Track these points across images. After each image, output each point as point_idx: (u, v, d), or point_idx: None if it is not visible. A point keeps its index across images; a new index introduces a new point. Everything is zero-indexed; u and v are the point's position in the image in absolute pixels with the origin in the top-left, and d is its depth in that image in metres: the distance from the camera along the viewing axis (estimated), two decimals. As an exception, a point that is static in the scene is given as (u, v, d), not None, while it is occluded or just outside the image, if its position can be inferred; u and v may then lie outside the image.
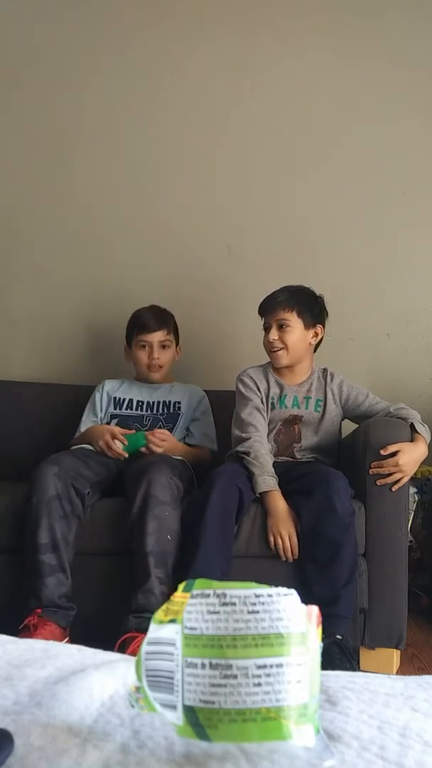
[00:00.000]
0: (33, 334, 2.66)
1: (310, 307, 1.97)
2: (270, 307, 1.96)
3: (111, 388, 2.24)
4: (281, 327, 1.94)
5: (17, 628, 1.59)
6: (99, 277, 2.64)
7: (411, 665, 1.80)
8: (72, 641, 1.65)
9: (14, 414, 2.36)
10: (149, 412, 2.16)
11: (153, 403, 2.18)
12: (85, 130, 2.68)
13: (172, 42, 2.65)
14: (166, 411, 2.16)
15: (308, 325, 1.96)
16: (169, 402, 2.18)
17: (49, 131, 2.69)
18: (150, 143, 2.65)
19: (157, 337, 2.16)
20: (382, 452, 1.72)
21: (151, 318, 2.18)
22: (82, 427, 2.15)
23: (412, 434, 1.79)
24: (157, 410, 2.16)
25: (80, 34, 2.68)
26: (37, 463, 1.77)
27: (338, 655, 1.51)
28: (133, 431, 1.99)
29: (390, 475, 1.73)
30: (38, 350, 2.64)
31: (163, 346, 2.18)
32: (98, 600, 1.74)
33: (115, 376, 2.30)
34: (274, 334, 1.94)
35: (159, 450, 1.91)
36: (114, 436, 1.93)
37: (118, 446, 1.91)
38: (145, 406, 2.18)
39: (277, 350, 1.95)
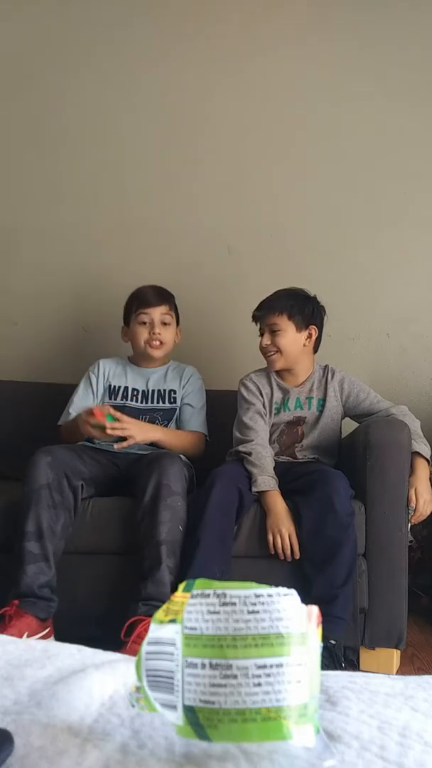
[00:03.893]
0: (33, 334, 2.66)
1: (301, 309, 1.97)
2: (260, 313, 1.98)
3: (106, 369, 2.16)
4: (273, 332, 1.95)
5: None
6: (99, 278, 2.64)
7: (411, 665, 1.80)
8: (70, 641, 1.63)
9: (14, 414, 2.36)
10: (145, 403, 2.10)
11: (148, 392, 2.12)
12: (84, 129, 2.68)
13: (173, 40, 2.65)
14: (161, 401, 2.11)
15: (300, 328, 1.96)
16: (165, 391, 2.12)
17: (48, 132, 2.69)
18: (149, 143, 2.65)
19: (159, 311, 2.08)
20: (412, 504, 1.75)
21: (152, 293, 2.12)
22: (72, 410, 2.08)
23: (414, 458, 1.80)
24: (153, 400, 2.11)
25: (77, 31, 2.68)
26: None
27: (327, 660, 1.51)
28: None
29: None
30: (38, 350, 2.64)
31: (164, 323, 2.09)
32: (98, 599, 1.74)
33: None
34: (266, 339, 1.96)
35: (121, 434, 1.85)
36: (89, 415, 1.85)
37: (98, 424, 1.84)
38: (140, 396, 2.12)
39: (271, 354, 1.97)
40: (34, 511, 1.68)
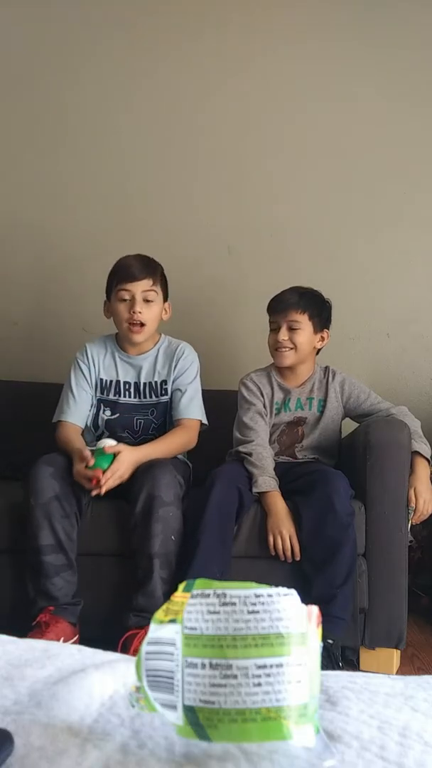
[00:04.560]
0: (33, 334, 2.66)
1: (320, 311, 1.98)
2: (281, 308, 1.94)
3: (95, 357, 1.99)
4: (291, 328, 1.94)
5: (20, 628, 1.58)
6: (98, 277, 2.64)
7: (411, 665, 1.80)
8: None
9: (14, 414, 2.36)
10: (138, 398, 1.97)
11: (141, 385, 1.98)
12: (84, 130, 2.68)
13: (173, 40, 2.64)
14: (153, 395, 1.97)
15: (317, 329, 1.97)
16: (156, 384, 1.97)
17: (48, 132, 2.69)
18: (149, 143, 2.65)
19: (141, 287, 1.88)
20: (412, 504, 1.75)
21: (135, 265, 1.90)
22: (73, 408, 1.93)
23: (414, 458, 1.80)
24: (145, 394, 1.97)
25: (78, 31, 2.68)
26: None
27: (324, 659, 1.51)
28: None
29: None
30: (38, 350, 2.64)
31: (147, 300, 1.89)
32: (99, 600, 1.74)
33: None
34: (284, 334, 1.93)
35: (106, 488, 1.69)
36: (82, 461, 1.69)
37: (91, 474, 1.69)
38: (132, 391, 1.97)
39: (286, 350, 1.94)
40: (49, 524, 1.65)
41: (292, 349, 1.94)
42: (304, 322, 1.94)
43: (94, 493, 1.68)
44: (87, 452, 1.71)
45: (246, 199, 2.62)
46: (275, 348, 1.96)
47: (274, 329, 1.97)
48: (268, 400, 2.00)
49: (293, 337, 1.93)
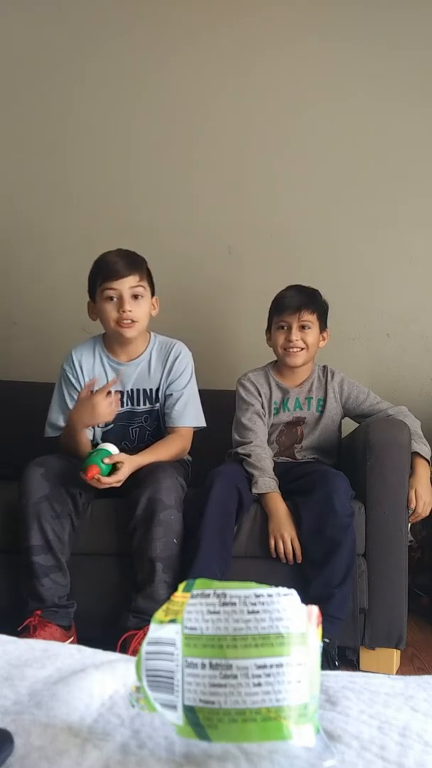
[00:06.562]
0: (33, 334, 2.66)
1: (325, 312, 1.99)
2: (294, 308, 1.92)
3: (83, 365, 1.90)
4: (303, 328, 1.93)
5: (15, 629, 1.59)
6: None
7: (411, 665, 1.80)
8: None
9: (14, 414, 2.36)
10: (129, 405, 1.90)
11: (132, 393, 1.90)
12: (84, 130, 2.68)
13: (173, 41, 2.64)
14: (147, 402, 1.89)
15: (322, 329, 1.98)
16: (151, 392, 1.89)
17: (49, 132, 2.69)
18: (149, 144, 2.65)
19: (128, 283, 1.77)
20: (412, 506, 1.76)
21: (119, 261, 1.79)
22: (61, 421, 1.88)
23: (414, 459, 1.80)
24: (137, 402, 1.90)
25: (79, 34, 2.68)
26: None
27: (320, 659, 1.51)
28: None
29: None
30: (38, 350, 2.64)
31: (135, 296, 1.79)
32: (98, 600, 1.74)
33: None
34: (296, 335, 1.92)
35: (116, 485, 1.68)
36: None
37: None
38: (125, 400, 1.89)
39: (298, 350, 1.93)
40: (38, 524, 1.65)
41: (303, 349, 1.94)
42: (314, 322, 1.94)
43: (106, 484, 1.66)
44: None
45: (246, 199, 2.62)
46: (285, 348, 1.94)
47: (283, 329, 1.94)
48: (267, 400, 2.00)
49: (305, 337, 1.93)
